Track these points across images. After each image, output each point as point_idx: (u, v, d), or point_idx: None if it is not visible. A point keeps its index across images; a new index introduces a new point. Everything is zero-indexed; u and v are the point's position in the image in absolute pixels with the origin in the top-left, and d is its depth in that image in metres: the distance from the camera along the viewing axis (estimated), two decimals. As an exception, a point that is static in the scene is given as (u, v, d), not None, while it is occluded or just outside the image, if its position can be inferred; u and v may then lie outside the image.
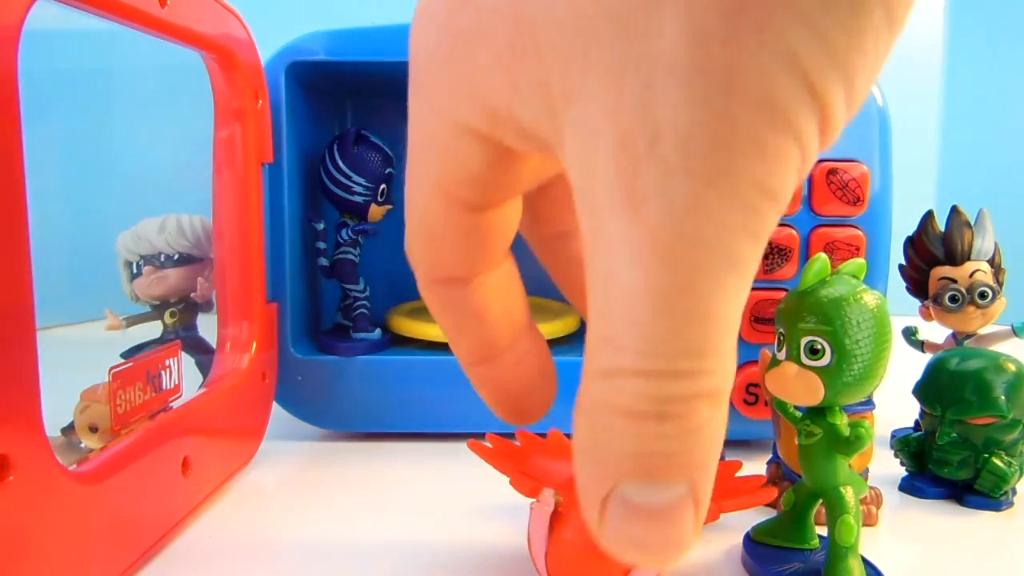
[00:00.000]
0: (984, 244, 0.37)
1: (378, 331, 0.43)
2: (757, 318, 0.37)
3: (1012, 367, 0.32)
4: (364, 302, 0.43)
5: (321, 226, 0.43)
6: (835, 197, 0.36)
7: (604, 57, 0.13)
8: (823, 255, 0.24)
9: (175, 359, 0.31)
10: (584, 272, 0.18)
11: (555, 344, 0.43)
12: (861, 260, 0.25)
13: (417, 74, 0.17)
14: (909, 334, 0.40)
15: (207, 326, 0.39)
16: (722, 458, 0.29)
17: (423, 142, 0.18)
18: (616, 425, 0.14)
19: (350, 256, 0.43)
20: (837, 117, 0.13)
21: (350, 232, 0.42)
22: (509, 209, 0.20)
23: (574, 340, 0.45)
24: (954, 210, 0.37)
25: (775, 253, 0.36)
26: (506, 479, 0.28)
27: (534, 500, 0.25)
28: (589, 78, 0.13)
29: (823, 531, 0.27)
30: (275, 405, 0.40)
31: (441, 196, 0.18)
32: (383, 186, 0.42)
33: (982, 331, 0.38)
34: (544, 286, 0.51)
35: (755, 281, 0.39)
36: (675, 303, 0.13)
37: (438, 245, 0.19)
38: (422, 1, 0.17)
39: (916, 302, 0.39)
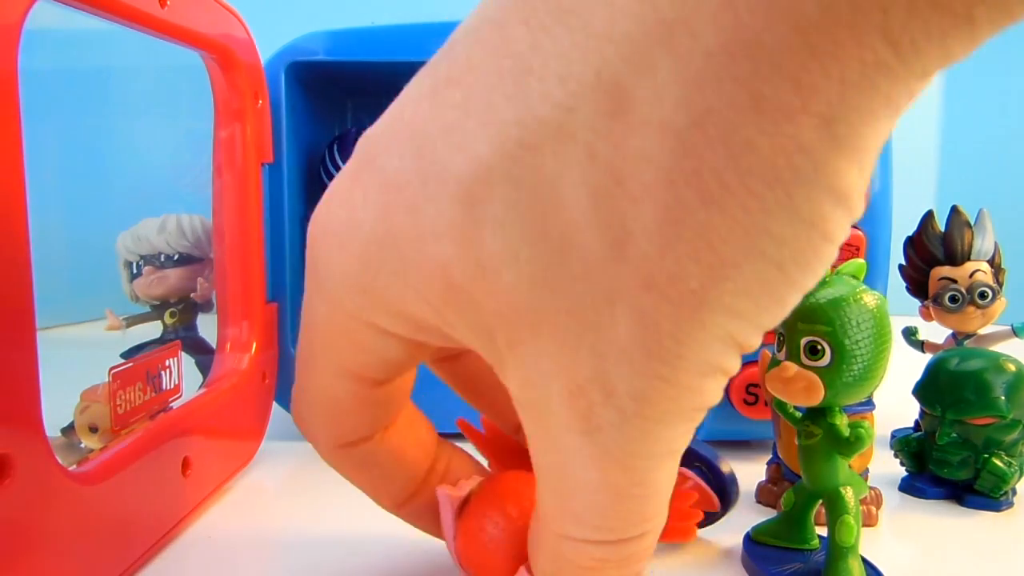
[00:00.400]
0: (984, 244, 0.37)
1: (378, 331, 0.43)
2: (757, 318, 0.37)
3: (1012, 367, 0.32)
4: (364, 302, 0.43)
5: (321, 226, 0.43)
6: (835, 197, 0.36)
7: (557, 335, 0.15)
8: (823, 255, 0.24)
9: (175, 359, 0.31)
10: (486, 385, 0.23)
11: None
12: (861, 260, 0.25)
13: (321, 272, 0.18)
14: (909, 334, 0.40)
15: (207, 326, 0.39)
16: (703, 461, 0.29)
17: (327, 332, 0.18)
18: (578, 573, 0.17)
19: (350, 256, 0.43)
20: (754, 343, 0.15)
21: (350, 232, 0.42)
22: (412, 371, 0.21)
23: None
24: (954, 210, 0.37)
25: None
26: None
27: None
28: (541, 341, 0.15)
29: (823, 531, 0.27)
30: (275, 405, 0.40)
31: (347, 378, 0.19)
32: (383, 186, 0.42)
33: (982, 331, 0.38)
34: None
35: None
36: (628, 494, 0.16)
37: (342, 419, 0.20)
38: (337, 207, 0.17)
39: (916, 302, 0.39)
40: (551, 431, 0.16)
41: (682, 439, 0.16)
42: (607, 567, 0.17)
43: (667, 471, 0.16)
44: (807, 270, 0.14)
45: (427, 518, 0.23)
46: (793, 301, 0.15)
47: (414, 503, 0.23)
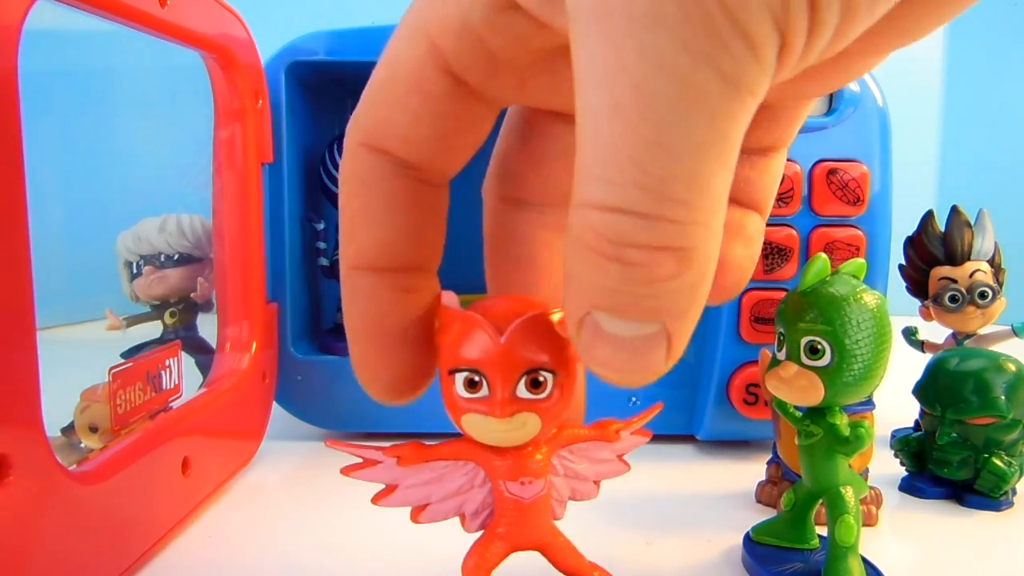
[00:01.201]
0: (984, 244, 0.37)
1: (378, 331, 0.43)
2: (757, 318, 0.37)
3: (1012, 367, 0.32)
4: (364, 302, 0.43)
5: (321, 226, 0.42)
6: (835, 197, 0.36)
7: None
8: (823, 255, 0.24)
9: (175, 359, 0.31)
10: (520, 251, 0.20)
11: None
12: (861, 260, 0.25)
13: None
14: (909, 334, 0.40)
15: (207, 326, 0.39)
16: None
17: None
18: (584, 259, 0.14)
19: (350, 256, 0.43)
20: None
21: (350, 232, 0.42)
22: (473, 105, 0.18)
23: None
24: (954, 210, 0.37)
25: (775, 253, 0.36)
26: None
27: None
28: None
29: (823, 531, 0.27)
30: (275, 405, 0.40)
31: (423, 42, 0.17)
32: (383, 186, 0.42)
33: (982, 331, 0.38)
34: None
35: (755, 281, 0.40)
36: (634, 126, 0.12)
37: (390, 101, 0.17)
38: None
39: (916, 302, 0.39)
40: (580, 32, 0.13)
41: (711, 81, 0.12)
42: (608, 254, 0.13)
43: (693, 129, 0.12)
44: None
45: (360, 306, 0.19)
46: None
47: (364, 277, 0.19)
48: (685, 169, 0.13)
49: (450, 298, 0.20)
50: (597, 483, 0.23)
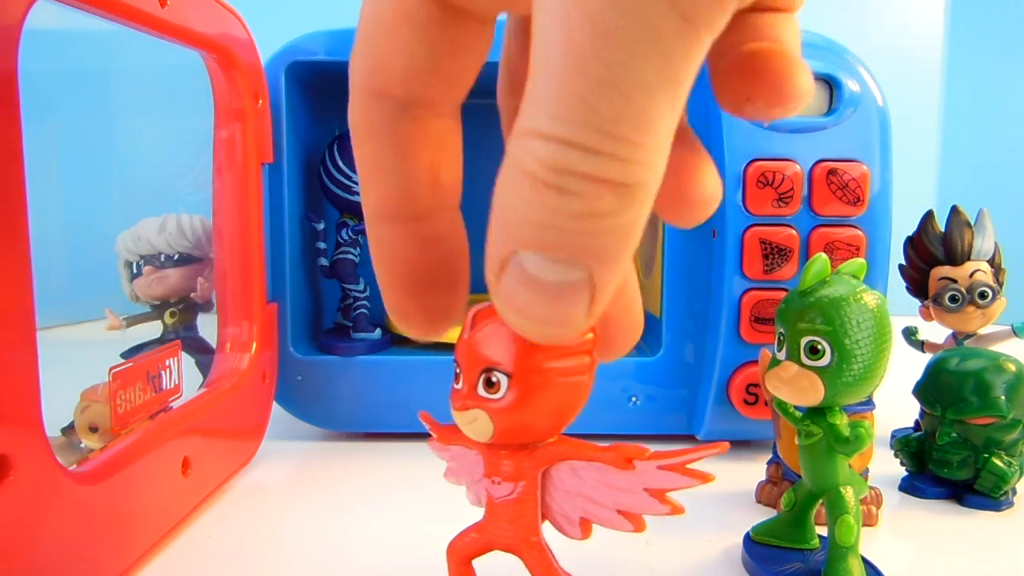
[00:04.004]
0: (984, 244, 0.37)
1: (378, 331, 0.43)
2: (757, 318, 0.37)
3: (1012, 367, 0.32)
4: (364, 302, 0.43)
5: (321, 226, 0.43)
6: (835, 197, 0.36)
7: None
8: (823, 255, 0.24)
9: (175, 359, 0.31)
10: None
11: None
12: (861, 260, 0.25)
13: None
14: (909, 334, 0.40)
15: (207, 326, 0.39)
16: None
17: None
18: (521, 188, 0.13)
19: (350, 256, 0.43)
20: None
21: (350, 232, 0.42)
22: (469, 32, 0.17)
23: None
24: (954, 210, 0.37)
25: (775, 253, 0.36)
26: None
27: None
28: None
29: (823, 531, 0.27)
30: (275, 405, 0.40)
31: None
32: (383, 186, 0.42)
33: (982, 331, 0.38)
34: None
35: (755, 281, 0.40)
36: (588, 66, 0.12)
37: (382, 39, 0.17)
38: None
39: (916, 302, 0.39)
40: None
41: (668, 21, 0.12)
42: (548, 184, 0.13)
43: (646, 72, 0.12)
44: None
45: (387, 254, 0.19)
46: None
47: (388, 226, 0.19)
48: (635, 109, 0.13)
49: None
50: (626, 515, 0.21)
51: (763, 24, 0.17)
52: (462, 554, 0.23)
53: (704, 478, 0.19)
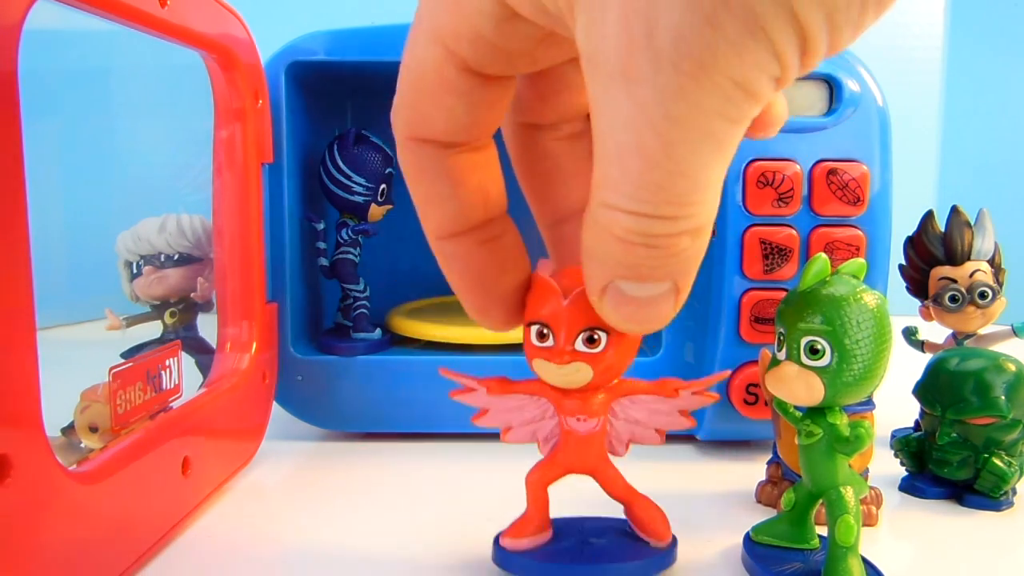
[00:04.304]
0: (984, 244, 0.37)
1: (378, 331, 0.43)
2: (757, 318, 0.37)
3: (1012, 367, 0.32)
4: (364, 302, 0.43)
5: (321, 226, 0.43)
6: (835, 197, 0.36)
7: None
8: (823, 255, 0.24)
9: (175, 359, 0.31)
10: (546, 165, 0.24)
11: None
12: (861, 260, 0.25)
13: None
14: (909, 334, 0.40)
15: (207, 326, 0.39)
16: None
17: None
18: (612, 246, 0.18)
19: (350, 256, 0.43)
20: (818, 42, 0.15)
21: (350, 232, 0.42)
22: (499, 88, 0.20)
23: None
24: (954, 210, 0.37)
25: (775, 253, 0.36)
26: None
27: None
28: None
29: (824, 531, 0.27)
30: (275, 405, 0.40)
31: (440, 49, 0.19)
32: (383, 186, 0.42)
33: (982, 331, 0.38)
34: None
35: (755, 281, 0.40)
36: (659, 164, 0.16)
37: (425, 100, 0.20)
38: None
39: (916, 302, 0.39)
40: (602, 84, 0.16)
41: (718, 121, 0.16)
42: (636, 243, 0.17)
43: (704, 157, 0.16)
44: None
45: (457, 267, 0.22)
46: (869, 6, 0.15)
47: (451, 243, 0.22)
48: (698, 182, 0.17)
49: (545, 266, 0.25)
50: (660, 433, 0.27)
51: None
52: (541, 482, 0.27)
53: (713, 397, 0.26)
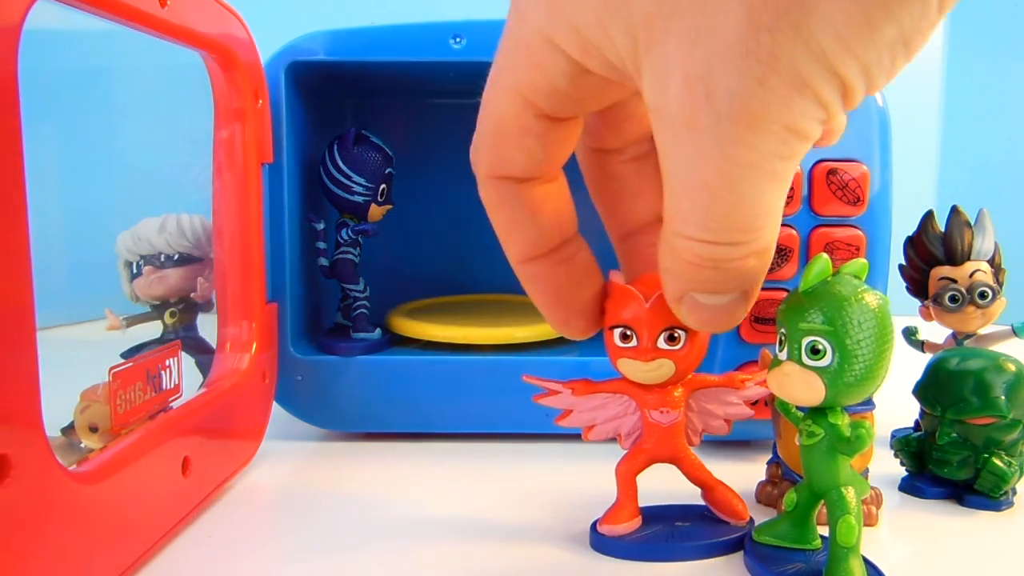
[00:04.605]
0: (984, 244, 0.37)
1: (378, 331, 0.43)
2: (757, 318, 0.37)
3: (1012, 367, 0.32)
4: (364, 302, 0.43)
5: (321, 226, 0.42)
6: (835, 197, 0.36)
7: (683, 26, 0.17)
8: (824, 255, 0.24)
9: (175, 359, 0.31)
10: (615, 184, 0.26)
11: (555, 344, 0.43)
12: (863, 260, 0.25)
13: None
14: (909, 334, 0.40)
15: (207, 326, 0.39)
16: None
17: (513, 50, 0.21)
18: (685, 268, 0.20)
19: (350, 256, 0.43)
20: (857, 90, 0.17)
21: (350, 232, 0.42)
22: (571, 126, 0.23)
23: (574, 340, 0.45)
24: (954, 210, 0.37)
25: (775, 253, 0.36)
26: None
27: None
28: (670, 37, 0.17)
29: (825, 531, 0.27)
30: (275, 405, 0.40)
31: (519, 100, 0.21)
32: (383, 186, 0.42)
33: (982, 331, 0.38)
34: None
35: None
36: (724, 198, 0.18)
37: (505, 144, 0.22)
38: None
39: (916, 302, 0.39)
40: (669, 132, 0.18)
41: (774, 160, 0.18)
42: (706, 266, 0.20)
43: (764, 188, 0.18)
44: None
45: (539, 285, 0.25)
46: (887, 35, 0.16)
47: (533, 265, 0.24)
48: (762, 212, 0.19)
49: (616, 275, 0.27)
50: (728, 422, 0.30)
51: None
52: (630, 472, 0.29)
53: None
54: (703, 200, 0.18)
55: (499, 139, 0.22)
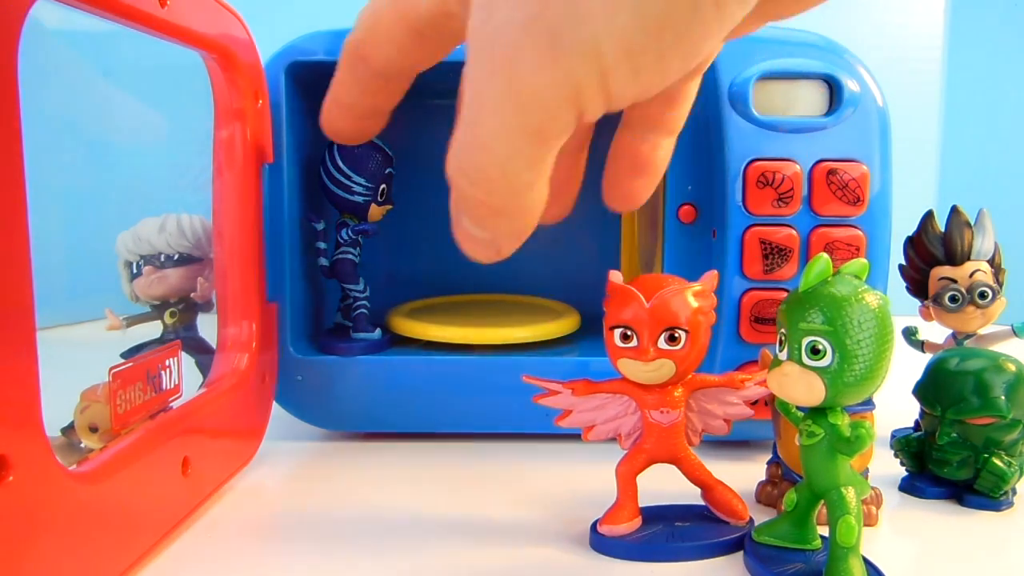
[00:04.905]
0: (984, 244, 0.37)
1: (378, 331, 0.43)
2: (757, 318, 0.37)
3: (1012, 367, 0.32)
4: (364, 302, 0.43)
5: (321, 226, 0.42)
6: (835, 197, 0.36)
7: None
8: (825, 255, 0.24)
9: (175, 359, 0.31)
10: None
11: (555, 344, 0.43)
12: (864, 260, 0.25)
13: None
14: (909, 334, 0.40)
15: (207, 326, 0.39)
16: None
17: None
18: (457, 196, 0.20)
19: (350, 256, 0.43)
20: (617, 78, 0.17)
21: (350, 232, 0.42)
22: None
23: (574, 340, 0.45)
24: (954, 210, 0.37)
25: (775, 253, 0.36)
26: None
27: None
28: None
29: (825, 531, 0.27)
30: (275, 405, 0.40)
31: (396, 10, 0.23)
32: (383, 186, 0.42)
33: (982, 331, 0.38)
34: (543, 286, 0.51)
35: (755, 281, 0.40)
36: (468, 127, 0.18)
37: (374, 38, 0.25)
38: None
39: (916, 302, 0.39)
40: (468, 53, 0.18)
41: (534, 155, 0.18)
42: (455, 187, 0.20)
43: (509, 143, 0.18)
44: (691, 23, 0.16)
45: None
46: (670, 56, 0.17)
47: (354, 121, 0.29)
48: (495, 162, 0.18)
49: (616, 275, 0.28)
50: (728, 422, 0.30)
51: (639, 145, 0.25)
52: (630, 472, 0.29)
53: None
54: (461, 118, 0.19)
55: (372, 33, 0.25)
